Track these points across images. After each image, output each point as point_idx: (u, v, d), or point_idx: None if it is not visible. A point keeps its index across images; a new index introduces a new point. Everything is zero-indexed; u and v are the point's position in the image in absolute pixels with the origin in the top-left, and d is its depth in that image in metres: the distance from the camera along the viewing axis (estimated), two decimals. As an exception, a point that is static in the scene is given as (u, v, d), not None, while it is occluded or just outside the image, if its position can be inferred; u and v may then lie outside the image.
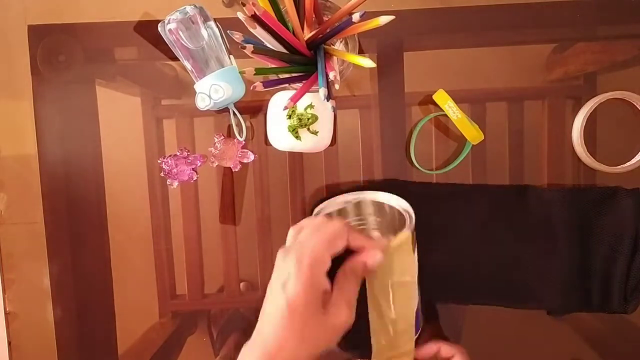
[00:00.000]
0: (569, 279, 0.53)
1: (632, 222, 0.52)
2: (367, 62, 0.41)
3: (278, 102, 0.51)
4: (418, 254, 0.47)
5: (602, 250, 0.53)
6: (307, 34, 0.45)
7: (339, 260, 0.39)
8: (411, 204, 0.48)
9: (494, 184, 0.54)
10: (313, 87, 0.44)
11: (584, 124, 0.53)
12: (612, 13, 0.53)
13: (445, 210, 0.54)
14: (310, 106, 0.50)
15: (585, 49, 0.53)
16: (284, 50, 0.44)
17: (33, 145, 0.54)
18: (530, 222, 0.53)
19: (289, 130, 0.50)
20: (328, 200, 0.51)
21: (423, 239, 0.47)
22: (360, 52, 0.53)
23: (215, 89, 0.49)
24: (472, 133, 0.52)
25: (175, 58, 0.51)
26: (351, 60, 0.43)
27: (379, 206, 0.49)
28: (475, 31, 0.54)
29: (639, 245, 0.52)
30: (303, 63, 0.45)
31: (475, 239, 0.53)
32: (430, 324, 0.55)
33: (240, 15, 0.38)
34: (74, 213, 0.55)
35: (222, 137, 0.54)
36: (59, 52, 0.54)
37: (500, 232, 0.53)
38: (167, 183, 0.54)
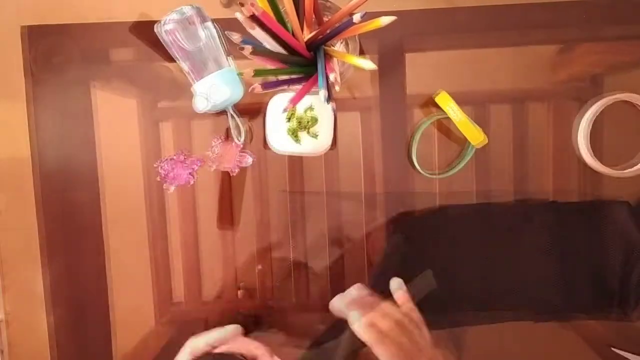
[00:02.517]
0: (574, 286, 0.53)
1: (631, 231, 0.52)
2: (367, 64, 0.40)
3: (277, 104, 0.51)
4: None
5: (606, 259, 0.53)
6: (307, 35, 0.44)
7: None
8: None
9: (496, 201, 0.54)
10: (313, 89, 0.43)
11: (590, 126, 0.52)
12: (618, 13, 0.53)
13: (453, 234, 0.54)
14: (310, 108, 0.49)
15: (590, 49, 0.53)
16: (283, 52, 0.43)
17: (27, 148, 0.54)
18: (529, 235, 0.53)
19: (289, 133, 0.50)
20: None
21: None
22: (361, 53, 0.52)
23: (214, 90, 0.48)
24: (475, 136, 0.51)
25: (172, 59, 0.51)
26: (351, 61, 0.42)
27: None
28: (478, 32, 0.53)
29: None
30: (303, 64, 0.45)
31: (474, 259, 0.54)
32: (430, 328, 0.55)
33: (238, 15, 0.38)
34: (69, 217, 0.54)
35: (220, 140, 0.53)
36: (54, 54, 0.53)
37: (499, 249, 0.53)
38: (164, 187, 0.53)
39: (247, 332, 0.52)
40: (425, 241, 0.54)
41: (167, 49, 0.49)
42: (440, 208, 0.54)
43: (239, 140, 0.52)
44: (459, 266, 0.54)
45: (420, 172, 0.53)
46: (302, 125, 0.49)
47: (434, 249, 0.54)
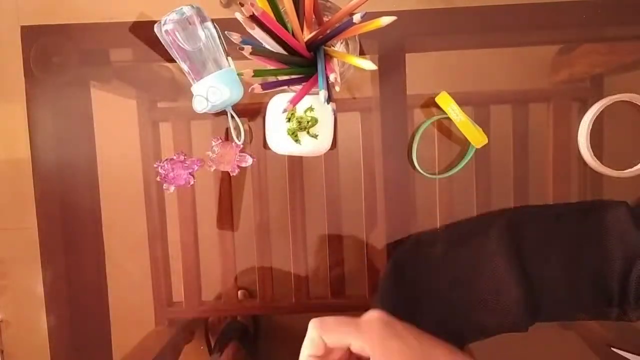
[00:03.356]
0: (574, 286, 0.53)
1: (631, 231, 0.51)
2: (367, 65, 0.40)
3: (277, 105, 0.50)
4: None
5: (606, 259, 0.52)
6: (307, 35, 0.44)
7: None
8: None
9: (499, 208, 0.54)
10: (313, 90, 0.43)
11: (591, 127, 0.52)
12: (619, 13, 0.52)
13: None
14: (310, 109, 0.49)
15: (591, 50, 0.53)
16: (283, 52, 0.43)
17: (26, 149, 0.53)
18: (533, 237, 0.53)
19: (288, 134, 0.49)
20: None
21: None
22: (361, 53, 0.52)
23: (213, 91, 0.48)
24: (475, 136, 0.51)
25: (171, 60, 0.50)
26: (351, 62, 0.42)
27: None
28: (479, 32, 0.53)
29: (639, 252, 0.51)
30: (303, 65, 0.44)
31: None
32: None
33: (238, 15, 0.38)
34: (67, 218, 0.54)
35: (220, 141, 0.53)
36: (53, 54, 0.53)
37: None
38: (164, 188, 0.53)
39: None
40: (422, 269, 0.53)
41: (166, 49, 0.49)
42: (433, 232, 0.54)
43: (239, 141, 0.52)
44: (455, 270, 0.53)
45: (420, 173, 0.53)
46: (302, 126, 0.49)
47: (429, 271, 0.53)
